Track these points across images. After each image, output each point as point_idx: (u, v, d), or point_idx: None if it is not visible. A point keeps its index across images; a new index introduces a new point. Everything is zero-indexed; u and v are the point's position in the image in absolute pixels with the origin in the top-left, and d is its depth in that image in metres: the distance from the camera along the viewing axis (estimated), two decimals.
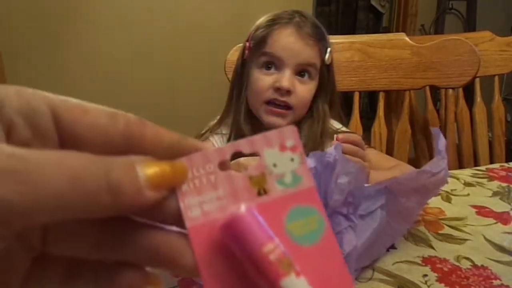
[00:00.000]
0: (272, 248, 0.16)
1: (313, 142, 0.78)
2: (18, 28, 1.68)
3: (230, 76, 0.93)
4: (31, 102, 0.15)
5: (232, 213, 0.16)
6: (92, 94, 1.83)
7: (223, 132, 0.82)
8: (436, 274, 0.48)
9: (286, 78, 0.72)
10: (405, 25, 2.41)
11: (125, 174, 0.15)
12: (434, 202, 0.67)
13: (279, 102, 0.74)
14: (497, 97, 1.12)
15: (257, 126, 0.79)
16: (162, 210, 0.16)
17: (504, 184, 0.74)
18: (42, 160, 0.13)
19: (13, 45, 1.69)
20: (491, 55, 1.10)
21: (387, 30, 2.62)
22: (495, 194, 0.70)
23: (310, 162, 0.40)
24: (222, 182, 0.17)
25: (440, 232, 0.58)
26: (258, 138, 0.18)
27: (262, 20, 0.79)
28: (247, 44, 0.79)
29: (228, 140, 0.81)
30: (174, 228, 0.17)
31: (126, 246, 0.16)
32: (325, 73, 0.79)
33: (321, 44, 0.76)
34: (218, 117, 0.85)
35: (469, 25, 2.50)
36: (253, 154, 0.18)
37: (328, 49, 0.78)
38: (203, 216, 0.17)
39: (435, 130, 0.50)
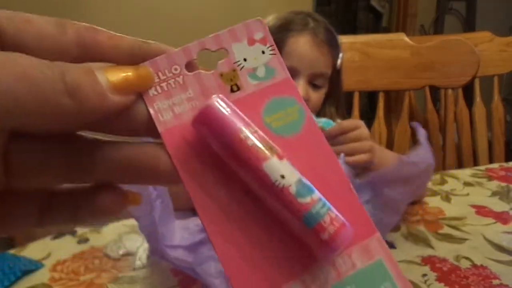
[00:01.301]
0: (250, 133, 0.15)
1: None
2: None
3: None
4: None
5: (204, 104, 0.16)
6: None
7: None
8: (435, 274, 0.48)
9: (301, 88, 0.71)
10: (405, 25, 2.40)
11: (83, 77, 0.14)
12: (434, 202, 0.67)
13: None
14: (496, 97, 1.12)
15: None
16: (132, 118, 0.16)
17: (504, 184, 0.74)
18: None
19: None
20: (490, 55, 1.10)
21: (387, 30, 2.61)
22: (494, 194, 0.70)
23: None
24: (191, 82, 0.17)
25: (439, 231, 0.58)
26: (224, 33, 0.17)
27: (272, 22, 0.77)
28: None
29: None
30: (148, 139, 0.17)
31: (97, 165, 0.16)
32: (335, 78, 0.79)
33: (335, 51, 0.76)
34: None
35: (469, 25, 2.50)
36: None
37: (340, 55, 0.78)
38: (175, 118, 0.16)
39: (413, 123, 0.52)
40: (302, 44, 0.72)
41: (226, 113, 0.16)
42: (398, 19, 2.48)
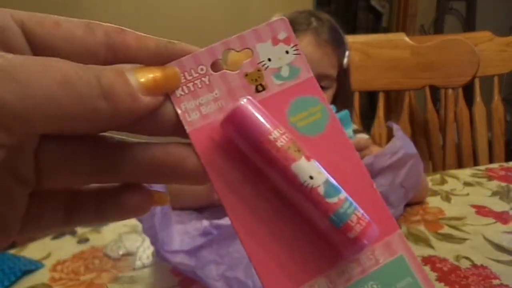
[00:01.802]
0: (279, 135, 0.16)
1: None
2: None
3: None
4: None
5: (234, 106, 0.16)
6: None
7: None
8: (435, 274, 0.48)
9: None
10: (405, 25, 2.40)
11: (116, 80, 0.14)
12: (434, 201, 0.67)
13: None
14: (496, 97, 1.12)
15: None
16: (160, 118, 0.16)
17: (504, 184, 0.74)
18: (28, 62, 0.13)
19: None
20: (490, 55, 1.10)
21: (387, 30, 2.61)
22: (494, 193, 0.70)
23: None
24: (217, 82, 0.17)
25: (439, 231, 0.58)
26: (248, 33, 0.17)
27: None
28: None
29: None
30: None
31: (124, 166, 0.16)
32: (343, 77, 0.77)
33: (340, 50, 0.75)
34: None
35: (469, 25, 2.50)
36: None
37: (347, 53, 0.76)
38: (202, 119, 0.17)
39: (389, 123, 0.55)
40: (305, 45, 0.72)
41: (255, 114, 0.16)
42: (398, 19, 2.48)
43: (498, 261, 0.50)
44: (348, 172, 0.17)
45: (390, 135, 1.04)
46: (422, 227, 0.59)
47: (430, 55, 0.99)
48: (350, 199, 0.16)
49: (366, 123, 1.04)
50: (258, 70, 0.17)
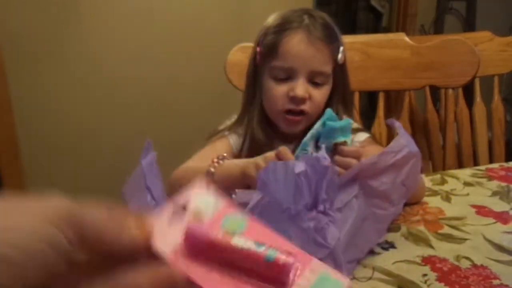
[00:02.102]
0: (217, 232, 0.27)
1: None
2: (19, 25, 1.68)
3: (230, 76, 0.93)
4: None
5: (187, 228, 0.27)
6: (94, 92, 1.83)
7: (240, 132, 0.81)
8: (435, 274, 0.48)
9: (300, 87, 0.71)
10: (405, 25, 2.40)
11: (125, 231, 0.25)
12: (434, 201, 0.68)
13: (296, 111, 0.74)
14: (496, 97, 1.12)
15: (271, 131, 0.78)
16: (142, 249, 0.25)
17: (504, 184, 0.74)
18: None
19: (14, 42, 1.69)
20: (490, 55, 1.10)
21: (387, 30, 2.61)
22: (494, 193, 0.70)
23: (301, 165, 0.42)
24: (177, 222, 0.27)
25: (439, 231, 0.58)
26: (187, 189, 0.29)
27: (270, 22, 0.77)
28: (258, 49, 0.77)
29: (243, 141, 0.80)
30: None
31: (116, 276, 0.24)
32: (339, 73, 0.77)
33: (333, 46, 0.75)
34: (236, 116, 0.84)
35: (469, 25, 2.50)
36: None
37: (341, 48, 0.76)
38: (171, 246, 0.26)
39: (389, 120, 0.58)
40: (296, 43, 0.72)
41: (199, 229, 0.27)
42: (398, 19, 2.48)
43: (498, 261, 0.50)
44: (269, 242, 0.27)
45: (390, 134, 1.04)
46: (422, 227, 0.59)
47: (430, 55, 0.99)
48: (273, 248, 0.26)
49: (367, 123, 1.04)
50: (197, 210, 0.28)
